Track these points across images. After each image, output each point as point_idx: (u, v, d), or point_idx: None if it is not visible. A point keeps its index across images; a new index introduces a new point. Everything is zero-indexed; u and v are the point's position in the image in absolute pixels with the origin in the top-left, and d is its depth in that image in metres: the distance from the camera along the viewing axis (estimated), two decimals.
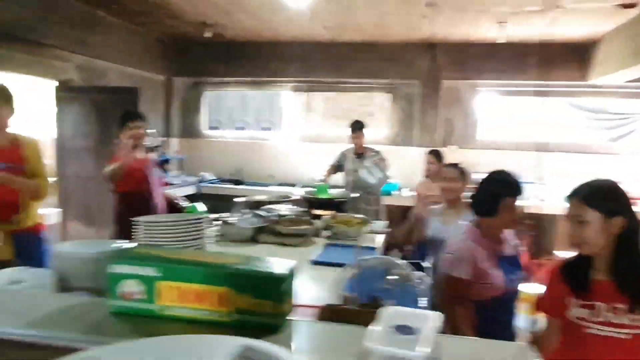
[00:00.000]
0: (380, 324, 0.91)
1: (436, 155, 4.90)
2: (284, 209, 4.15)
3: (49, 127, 5.95)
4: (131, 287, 1.11)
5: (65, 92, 5.75)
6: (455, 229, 3.21)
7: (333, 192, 4.77)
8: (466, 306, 2.33)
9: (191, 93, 7.84)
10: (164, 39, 7.28)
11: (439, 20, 5.57)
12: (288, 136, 7.57)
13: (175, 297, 1.08)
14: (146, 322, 1.09)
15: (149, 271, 1.10)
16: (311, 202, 4.49)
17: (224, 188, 7.11)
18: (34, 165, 3.00)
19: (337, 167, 5.57)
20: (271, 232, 3.60)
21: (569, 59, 6.50)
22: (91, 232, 5.69)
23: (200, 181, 7.26)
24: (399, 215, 6.15)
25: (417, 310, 0.98)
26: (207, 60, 7.38)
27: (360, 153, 5.54)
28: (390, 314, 0.95)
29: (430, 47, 6.81)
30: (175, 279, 1.08)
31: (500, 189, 2.38)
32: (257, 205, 4.40)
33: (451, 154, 6.51)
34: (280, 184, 7.33)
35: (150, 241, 1.81)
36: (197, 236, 1.84)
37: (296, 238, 3.52)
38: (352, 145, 5.65)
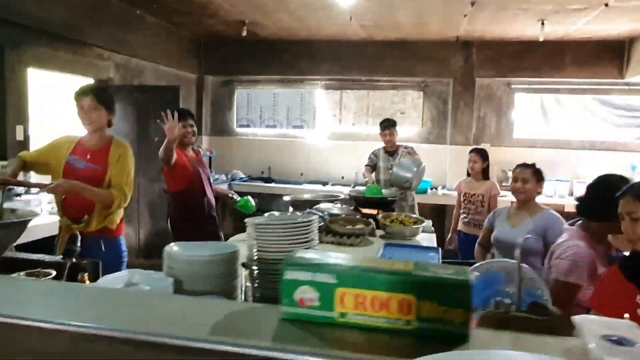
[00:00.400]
0: (586, 335, 0.90)
1: (481, 153, 4.88)
2: (335, 209, 4.15)
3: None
4: (307, 293, 1.11)
5: None
6: (522, 231, 3.19)
7: (386, 192, 4.74)
8: (577, 313, 2.30)
9: (222, 91, 7.86)
10: (196, 38, 7.30)
11: (479, 18, 5.55)
12: (319, 134, 7.58)
13: (354, 305, 1.08)
14: (323, 330, 1.09)
15: (326, 278, 1.09)
16: (359, 201, 4.47)
17: (255, 186, 7.12)
18: (114, 172, 2.94)
19: (373, 168, 5.54)
20: (329, 231, 3.59)
21: (605, 56, 6.46)
22: (131, 231, 5.71)
23: (232, 179, 7.27)
24: (430, 213, 6.14)
25: (614, 320, 0.98)
26: (239, 58, 7.39)
27: (392, 151, 5.51)
28: (589, 323, 0.95)
29: (464, 45, 6.79)
30: (354, 286, 1.08)
31: (616, 192, 2.33)
32: (306, 204, 4.41)
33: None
34: (311, 182, 7.34)
35: (261, 244, 1.80)
36: (308, 238, 1.83)
37: (355, 238, 3.51)
38: (383, 144, 5.62)
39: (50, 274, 2.08)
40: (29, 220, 2.17)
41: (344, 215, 3.94)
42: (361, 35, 6.66)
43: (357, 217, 3.98)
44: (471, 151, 4.97)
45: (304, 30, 6.63)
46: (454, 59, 6.86)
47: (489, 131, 7.04)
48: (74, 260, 2.27)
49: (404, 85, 7.26)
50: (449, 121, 7.06)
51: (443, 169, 6.94)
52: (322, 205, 4.26)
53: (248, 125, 7.70)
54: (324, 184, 7.28)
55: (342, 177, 7.34)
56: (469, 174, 4.99)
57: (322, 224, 3.60)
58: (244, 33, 6.23)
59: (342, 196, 4.60)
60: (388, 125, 5.49)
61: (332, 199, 4.48)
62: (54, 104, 5.42)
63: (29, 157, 2.99)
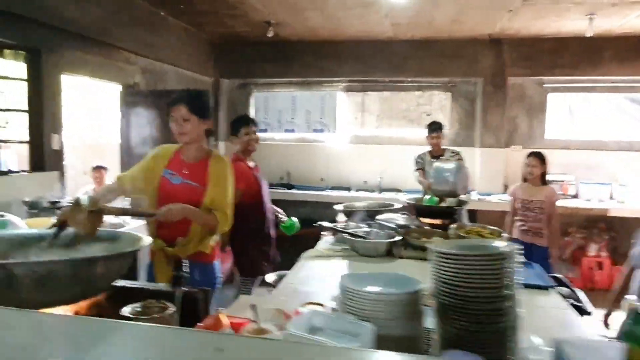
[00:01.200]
0: None
1: (539, 157, 4.70)
2: (401, 219, 3.94)
3: (113, 132, 5.70)
4: None
5: (132, 97, 5.46)
6: None
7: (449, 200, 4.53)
8: None
9: (238, 95, 7.56)
10: (212, 40, 7.02)
11: (524, 13, 5.38)
12: (341, 138, 7.33)
13: None
14: None
15: None
16: (421, 211, 4.25)
17: (275, 192, 6.85)
18: (213, 192, 2.65)
19: (424, 170, 5.33)
20: (407, 245, 3.38)
21: None
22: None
23: None
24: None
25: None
26: (256, 60, 7.12)
27: (438, 155, 5.30)
28: None
29: (495, 43, 6.60)
30: None
31: None
32: (361, 213, 4.18)
33: (515, 155, 6.39)
34: (333, 188, 7.10)
35: (440, 278, 1.57)
36: (504, 278, 1.56)
37: None
38: (428, 148, 5.43)
39: (168, 309, 1.82)
40: (143, 247, 1.92)
41: (414, 227, 3.74)
42: (387, 34, 6.46)
43: (429, 228, 3.80)
44: (529, 155, 4.76)
45: (327, 31, 6.41)
46: (483, 57, 6.67)
47: (520, 132, 6.88)
48: (183, 288, 2.03)
49: (430, 86, 7.07)
50: (477, 123, 6.89)
51: (472, 172, 6.75)
52: (386, 216, 4.05)
53: (266, 130, 7.42)
54: (347, 189, 7.06)
55: (365, 182, 7.12)
56: (525, 180, 4.81)
57: (399, 238, 3.39)
58: (270, 34, 5.98)
59: (396, 205, 4.37)
60: (437, 127, 5.30)
61: (388, 208, 4.26)
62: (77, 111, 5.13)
63: (129, 179, 2.73)
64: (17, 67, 4.23)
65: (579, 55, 6.46)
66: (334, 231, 3.73)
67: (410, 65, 6.83)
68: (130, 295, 1.93)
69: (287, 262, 3.41)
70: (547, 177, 4.81)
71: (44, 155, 4.36)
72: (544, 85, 6.83)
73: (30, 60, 4.24)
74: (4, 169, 4.17)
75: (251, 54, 7.12)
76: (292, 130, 7.45)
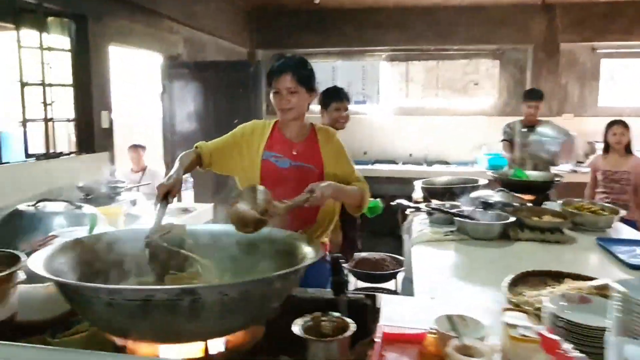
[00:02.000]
0: None
1: (624, 125, 4.35)
2: (497, 196, 3.61)
3: (153, 108, 5.30)
4: None
5: (175, 68, 5.05)
6: None
7: (533, 174, 4.20)
8: None
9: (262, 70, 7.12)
10: (249, 9, 6.57)
11: None
12: (384, 109, 6.96)
13: None
14: None
15: None
16: (514, 186, 3.89)
17: None
18: (334, 168, 2.29)
19: (511, 143, 4.96)
20: (522, 226, 3.05)
21: None
22: None
23: None
24: None
25: None
26: (293, 30, 6.70)
27: (532, 125, 4.88)
28: None
29: (547, 8, 6.23)
30: None
31: None
32: (443, 190, 3.86)
33: (565, 123, 6.06)
34: (377, 162, 6.75)
35: None
36: None
37: (560, 233, 2.97)
38: (519, 118, 5.03)
39: (347, 327, 1.44)
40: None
41: (521, 205, 3.41)
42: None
43: (536, 206, 3.47)
44: (614, 123, 4.42)
45: None
46: (534, 23, 6.30)
47: (571, 100, 6.56)
48: (350, 296, 1.68)
49: (477, 54, 6.71)
50: None
51: None
52: (480, 193, 3.72)
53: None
54: (392, 162, 6.71)
55: (410, 155, 6.79)
56: (606, 150, 4.48)
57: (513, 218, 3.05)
58: (317, 0, 5.56)
59: (481, 180, 4.01)
60: (537, 96, 4.88)
61: (474, 185, 3.92)
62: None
63: (211, 148, 2.30)
64: (60, 40, 3.81)
65: (632, 20, 6.11)
66: (428, 211, 3.40)
67: (457, 33, 6.45)
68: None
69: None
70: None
71: (93, 135, 3.98)
72: (597, 51, 6.48)
73: (76, 29, 3.83)
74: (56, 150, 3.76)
75: (288, 23, 6.71)
76: None
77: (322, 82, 6.98)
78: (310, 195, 1.94)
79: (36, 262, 1.33)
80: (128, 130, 5.30)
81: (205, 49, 5.61)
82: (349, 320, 1.46)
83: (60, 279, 1.18)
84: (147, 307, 1.12)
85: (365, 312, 1.67)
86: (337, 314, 1.49)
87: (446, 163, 6.63)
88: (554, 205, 3.65)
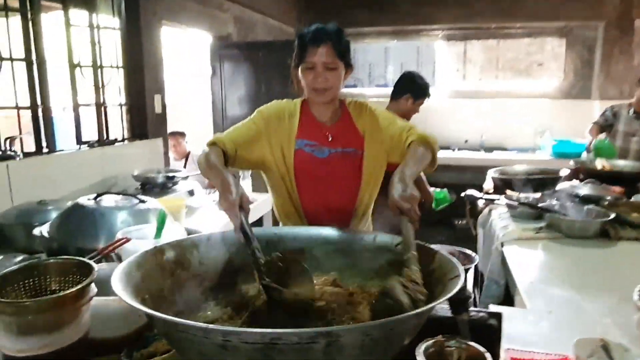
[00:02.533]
0: None
1: None
2: (586, 188, 3.27)
3: (203, 91, 5.08)
4: None
5: (226, 49, 4.80)
6: None
7: (622, 163, 3.84)
8: None
9: None
10: None
11: None
12: (439, 92, 6.59)
13: None
14: None
15: None
16: (595, 177, 3.56)
17: None
18: (386, 134, 1.93)
19: (603, 128, 4.56)
20: (622, 223, 2.72)
21: None
22: None
23: None
24: None
25: None
26: (343, 8, 6.33)
27: None
28: None
29: None
30: None
31: None
32: (522, 181, 3.52)
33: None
34: None
35: None
36: None
37: None
38: (628, 102, 4.56)
39: (482, 357, 1.18)
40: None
41: (616, 199, 3.07)
42: None
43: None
44: None
45: None
46: None
47: None
48: (472, 316, 1.42)
49: (541, 32, 6.27)
50: (595, 72, 6.10)
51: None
52: (563, 186, 3.39)
53: (355, 85, 6.71)
54: (447, 148, 6.36)
55: (466, 141, 6.43)
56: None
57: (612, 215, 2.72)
58: None
59: (562, 171, 3.66)
60: None
61: (556, 175, 3.56)
62: None
63: (236, 141, 1.86)
64: (109, 20, 3.59)
65: None
66: (511, 205, 3.10)
67: (521, 9, 6.00)
68: None
69: None
70: None
71: (146, 120, 3.77)
72: None
73: (126, 6, 3.60)
74: (111, 137, 3.57)
75: (338, 1, 6.35)
76: (385, 85, 6.73)
77: (374, 63, 6.70)
78: (406, 215, 1.49)
79: (118, 281, 1.09)
80: (177, 116, 5.09)
81: (255, 29, 5.34)
82: (479, 347, 1.20)
83: (162, 316, 0.93)
84: (271, 351, 0.87)
85: (492, 334, 1.40)
86: (463, 339, 1.24)
87: (504, 149, 6.25)
88: None
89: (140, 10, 3.60)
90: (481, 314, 1.44)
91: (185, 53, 5.29)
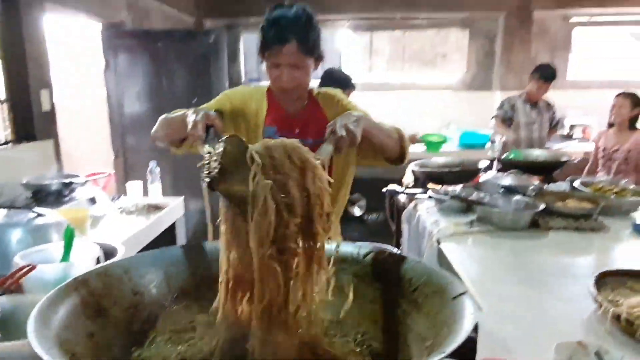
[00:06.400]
0: None
1: (631, 98, 4.08)
2: (509, 179, 3.26)
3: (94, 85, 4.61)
4: None
5: (120, 38, 4.36)
6: None
7: (536, 153, 3.89)
8: None
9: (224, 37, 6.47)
10: None
11: None
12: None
13: None
14: None
15: None
16: (515, 167, 3.57)
17: None
18: None
19: (504, 120, 4.63)
20: (552, 214, 2.71)
21: None
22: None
23: None
24: None
25: None
26: None
27: (535, 102, 4.62)
28: None
29: None
30: None
31: None
32: (442, 176, 3.47)
33: None
34: None
35: None
36: None
37: (593, 220, 2.67)
38: (518, 93, 4.79)
39: None
40: None
41: (540, 189, 3.07)
42: None
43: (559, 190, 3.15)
44: (618, 95, 4.17)
45: None
46: None
47: None
48: None
49: (445, 23, 6.33)
50: (496, 63, 6.26)
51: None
52: (488, 176, 3.37)
53: (259, 79, 6.42)
54: None
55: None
56: (611, 125, 4.23)
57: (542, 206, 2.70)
58: None
59: (481, 162, 3.63)
60: (554, 75, 4.55)
61: (473, 167, 3.54)
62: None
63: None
64: None
65: None
66: (439, 199, 3.02)
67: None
68: None
69: None
70: None
71: (32, 119, 3.30)
72: (570, 20, 6.26)
73: None
74: None
75: None
76: None
77: None
78: (334, 137, 1.30)
79: (35, 337, 0.80)
80: (70, 114, 4.59)
81: (150, 16, 4.91)
82: None
83: None
84: None
85: (469, 346, 1.25)
86: None
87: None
88: (562, 186, 3.40)
89: None
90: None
91: (76, 44, 4.78)
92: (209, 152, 1.00)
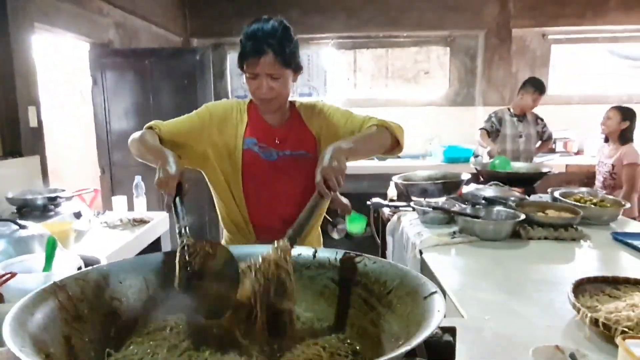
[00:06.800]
0: None
1: (621, 111, 4.09)
2: (489, 190, 3.30)
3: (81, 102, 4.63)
4: None
5: (107, 57, 4.40)
6: None
7: (518, 165, 3.94)
8: None
9: (212, 56, 6.52)
10: None
11: None
12: (333, 101, 6.52)
13: None
14: None
15: None
16: (497, 180, 3.62)
17: None
18: (341, 130, 1.81)
19: (490, 133, 4.68)
20: (532, 224, 2.75)
21: None
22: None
23: None
24: None
25: None
26: (231, 16, 6.08)
27: (523, 115, 4.70)
28: None
29: None
30: None
31: None
32: (426, 188, 3.50)
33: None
34: None
35: None
36: None
37: (573, 230, 2.71)
38: (506, 107, 4.87)
39: None
40: None
41: (521, 200, 3.12)
42: None
43: (542, 200, 3.21)
44: (610, 108, 4.21)
45: None
46: (487, 8, 6.08)
47: None
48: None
49: (427, 41, 6.43)
50: (478, 80, 6.37)
51: (474, 134, 6.23)
52: (470, 188, 3.41)
53: (245, 96, 6.42)
54: None
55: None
56: (607, 139, 4.28)
57: (520, 216, 2.74)
58: None
59: (463, 175, 3.67)
60: (543, 88, 4.63)
61: (459, 179, 3.58)
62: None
63: (173, 130, 1.73)
64: None
65: (584, 4, 6.05)
66: (422, 211, 3.05)
67: (407, 19, 6.13)
68: None
69: None
70: None
71: (19, 135, 3.31)
72: (548, 37, 6.40)
73: None
74: None
75: (226, 9, 6.12)
76: None
77: None
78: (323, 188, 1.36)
79: (10, 335, 0.82)
80: (57, 131, 4.60)
81: (139, 36, 4.96)
82: None
83: None
84: None
85: (447, 352, 1.27)
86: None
87: (397, 157, 6.31)
88: (545, 197, 3.45)
89: (8, 9, 3.16)
90: (435, 331, 1.31)
91: (64, 62, 4.81)
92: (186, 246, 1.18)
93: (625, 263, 2.31)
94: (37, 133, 3.44)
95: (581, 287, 1.66)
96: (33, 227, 1.90)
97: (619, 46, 6.53)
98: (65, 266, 1.56)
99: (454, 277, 2.14)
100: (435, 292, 1.01)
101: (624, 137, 4.10)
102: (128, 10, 4.58)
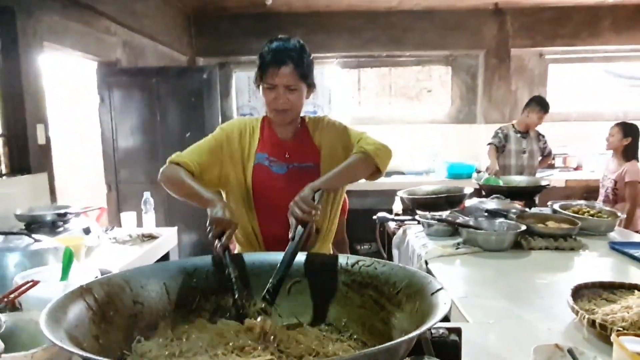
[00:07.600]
0: None
1: (623, 127, 4.16)
2: (492, 203, 3.37)
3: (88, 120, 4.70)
4: None
5: (115, 76, 4.48)
6: None
7: (519, 179, 4.01)
8: None
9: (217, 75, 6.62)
10: (188, 11, 6.06)
11: None
12: (338, 118, 6.55)
13: None
14: None
15: None
16: (498, 193, 3.68)
17: None
18: (339, 145, 1.92)
19: (498, 148, 4.74)
20: (533, 234, 2.80)
21: None
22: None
23: None
24: None
25: None
26: (237, 36, 6.20)
27: (526, 132, 4.80)
28: None
29: (498, 13, 6.17)
30: None
31: None
32: (430, 202, 3.56)
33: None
34: None
35: None
36: None
37: (573, 240, 2.76)
38: (510, 123, 4.96)
39: None
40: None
41: (522, 212, 3.18)
42: (384, 4, 5.89)
43: (541, 212, 3.26)
44: (614, 125, 4.25)
45: (321, 1, 5.75)
46: (486, 28, 6.21)
47: (521, 106, 6.46)
48: (432, 333, 1.35)
49: (429, 60, 6.54)
50: (479, 98, 6.46)
51: (474, 151, 6.31)
52: (473, 202, 3.47)
53: (251, 114, 6.54)
54: None
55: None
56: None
57: (521, 227, 2.79)
58: (269, 1, 5.18)
59: (466, 189, 3.73)
60: (548, 107, 4.71)
61: (461, 194, 3.64)
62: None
63: (197, 159, 1.81)
64: None
65: (579, 25, 6.18)
66: (427, 223, 3.10)
67: (409, 38, 6.25)
68: None
69: None
70: None
71: (28, 153, 3.37)
72: (545, 57, 6.53)
73: (3, 23, 3.22)
74: None
75: (231, 29, 6.22)
76: None
77: None
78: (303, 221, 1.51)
79: (50, 327, 0.87)
80: (65, 149, 4.67)
81: (145, 55, 5.05)
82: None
83: None
84: None
85: (453, 351, 1.32)
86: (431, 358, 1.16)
87: (402, 173, 6.39)
88: (545, 210, 3.50)
89: (18, 29, 3.24)
90: (441, 331, 1.37)
91: (72, 80, 4.90)
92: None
93: (621, 270, 2.39)
94: (45, 150, 3.50)
95: (580, 292, 1.74)
96: (47, 241, 1.95)
97: (613, 65, 6.66)
98: (83, 276, 1.59)
99: (459, 286, 2.19)
100: (441, 289, 1.07)
101: (628, 154, 4.16)
102: (135, 30, 4.66)
